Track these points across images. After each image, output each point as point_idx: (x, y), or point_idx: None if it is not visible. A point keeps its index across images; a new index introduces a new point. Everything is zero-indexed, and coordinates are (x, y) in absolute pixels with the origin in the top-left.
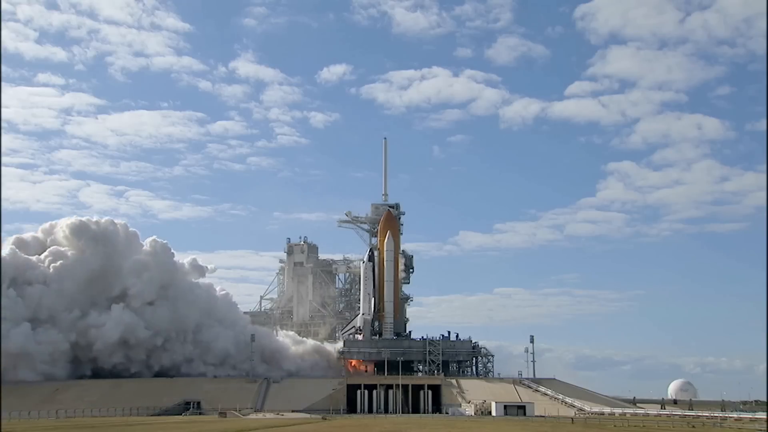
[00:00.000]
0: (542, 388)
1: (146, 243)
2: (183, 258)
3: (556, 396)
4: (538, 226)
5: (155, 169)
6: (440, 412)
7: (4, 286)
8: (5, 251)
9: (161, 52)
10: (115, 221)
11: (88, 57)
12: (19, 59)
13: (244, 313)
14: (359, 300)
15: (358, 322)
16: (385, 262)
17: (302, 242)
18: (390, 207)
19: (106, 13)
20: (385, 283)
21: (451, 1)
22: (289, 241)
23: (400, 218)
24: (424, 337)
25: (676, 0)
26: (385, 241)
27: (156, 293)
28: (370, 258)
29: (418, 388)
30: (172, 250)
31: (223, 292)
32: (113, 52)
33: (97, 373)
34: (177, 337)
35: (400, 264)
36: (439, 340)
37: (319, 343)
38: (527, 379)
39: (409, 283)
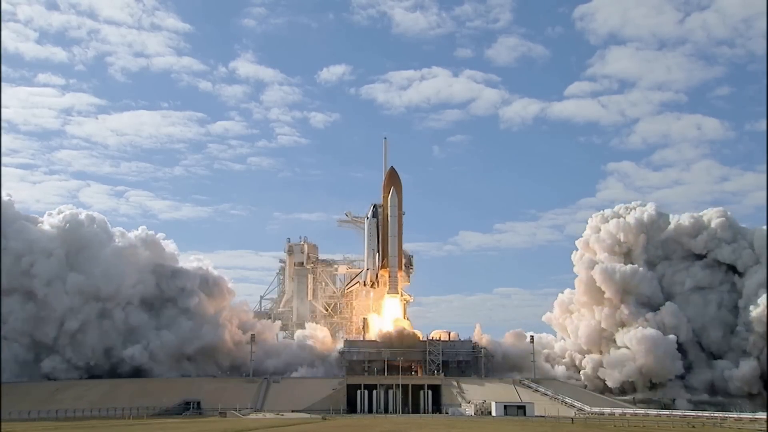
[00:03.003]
0: (542, 388)
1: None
2: (185, 258)
3: (556, 396)
4: (538, 226)
5: (155, 169)
6: (440, 412)
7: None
8: None
9: (161, 52)
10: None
11: (88, 57)
12: (19, 59)
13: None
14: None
15: (363, 276)
16: (389, 218)
17: (302, 242)
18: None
19: (106, 14)
20: (389, 238)
21: (450, 1)
22: (289, 241)
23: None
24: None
25: (675, 0)
26: (389, 197)
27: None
28: (374, 214)
29: (418, 388)
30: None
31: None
32: (113, 52)
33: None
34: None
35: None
36: (439, 340)
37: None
38: (527, 379)
39: (409, 283)
